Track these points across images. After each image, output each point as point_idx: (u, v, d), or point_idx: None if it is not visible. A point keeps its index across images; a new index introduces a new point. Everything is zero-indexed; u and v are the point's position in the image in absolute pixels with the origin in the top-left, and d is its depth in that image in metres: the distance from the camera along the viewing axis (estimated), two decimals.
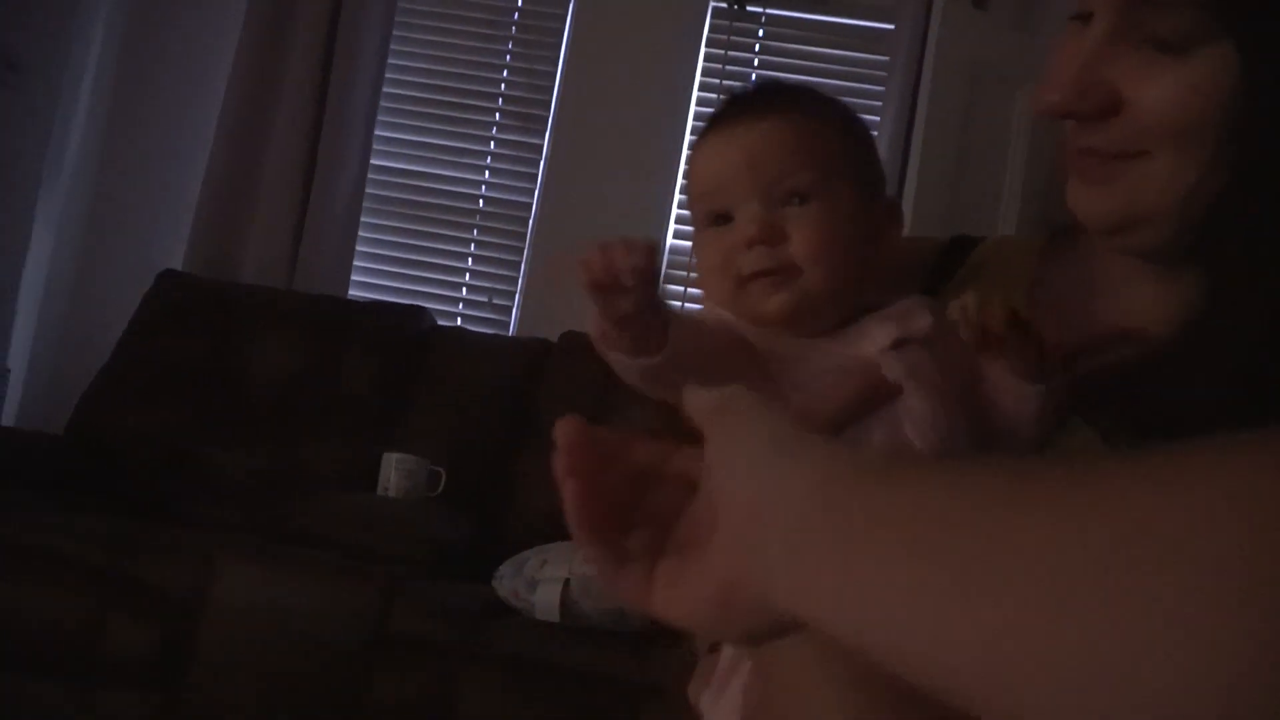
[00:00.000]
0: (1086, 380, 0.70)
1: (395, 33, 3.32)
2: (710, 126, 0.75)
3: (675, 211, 3.25)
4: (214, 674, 2.07)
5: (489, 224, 3.37)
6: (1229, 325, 0.64)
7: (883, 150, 2.92)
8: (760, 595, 0.44)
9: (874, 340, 0.69)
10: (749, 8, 3.26)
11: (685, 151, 3.26)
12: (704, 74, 3.28)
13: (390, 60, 3.31)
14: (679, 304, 3.23)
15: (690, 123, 3.26)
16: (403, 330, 2.99)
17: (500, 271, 3.35)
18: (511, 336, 3.25)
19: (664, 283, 3.35)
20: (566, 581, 2.14)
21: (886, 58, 3.13)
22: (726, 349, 0.69)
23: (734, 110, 0.75)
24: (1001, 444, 0.68)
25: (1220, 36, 0.62)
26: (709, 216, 0.73)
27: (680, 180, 3.25)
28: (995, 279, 0.81)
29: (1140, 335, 0.71)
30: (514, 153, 3.37)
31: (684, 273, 3.22)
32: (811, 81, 3.04)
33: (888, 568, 0.37)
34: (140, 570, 2.13)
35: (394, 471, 2.57)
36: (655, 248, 0.61)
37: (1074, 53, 0.67)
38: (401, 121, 3.40)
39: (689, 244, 3.24)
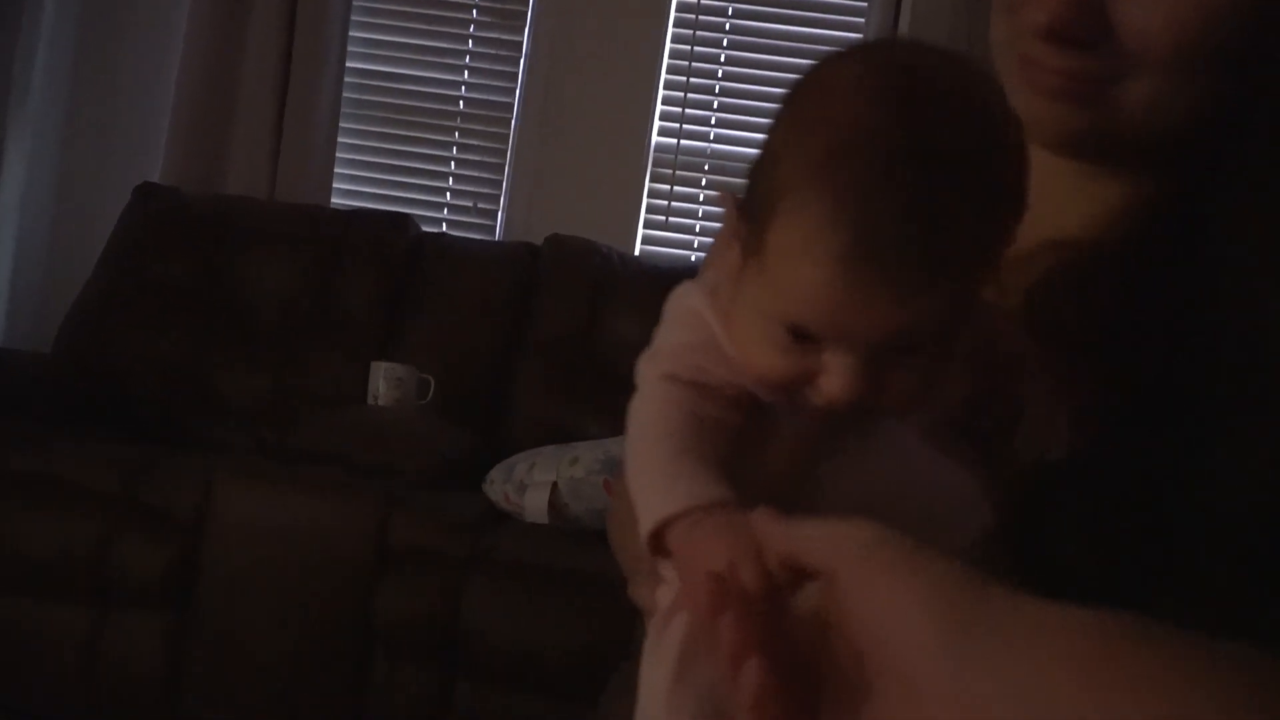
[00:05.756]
0: (1034, 290, 0.66)
1: None
2: (848, 226, 0.53)
3: (659, 108, 3.19)
4: (222, 593, 2.08)
5: (470, 126, 3.30)
6: (1179, 235, 0.61)
7: None
8: None
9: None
10: None
11: (669, 44, 3.18)
12: None
13: None
14: (663, 217, 3.18)
15: (673, 13, 3.17)
16: (393, 240, 2.95)
17: (484, 175, 3.29)
18: (498, 241, 3.21)
19: (648, 182, 3.25)
20: (554, 484, 2.15)
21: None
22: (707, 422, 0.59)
23: (893, 245, 0.53)
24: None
25: None
26: (786, 323, 0.57)
27: (663, 74, 3.18)
28: None
29: (1071, 243, 0.67)
30: (493, 51, 3.29)
31: (668, 171, 3.17)
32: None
33: None
34: (145, 493, 2.13)
35: (382, 381, 2.56)
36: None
37: None
38: (376, 21, 3.30)
39: (673, 141, 3.18)
